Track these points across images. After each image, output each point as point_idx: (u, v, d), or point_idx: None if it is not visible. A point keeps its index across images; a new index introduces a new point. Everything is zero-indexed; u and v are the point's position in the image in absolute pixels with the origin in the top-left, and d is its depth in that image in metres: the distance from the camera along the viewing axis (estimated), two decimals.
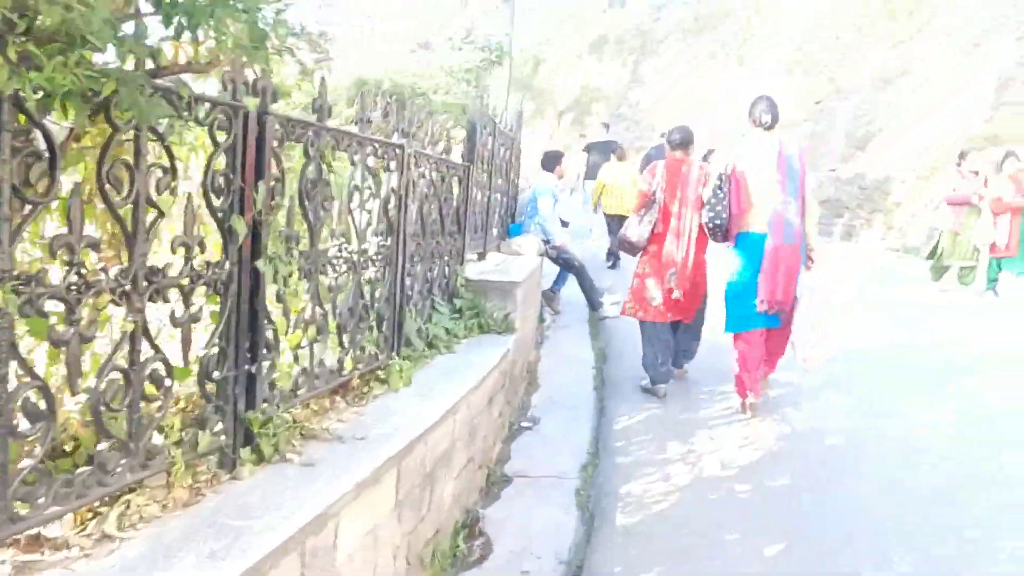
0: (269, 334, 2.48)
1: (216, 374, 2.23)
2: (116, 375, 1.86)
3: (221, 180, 2.18)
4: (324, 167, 2.74)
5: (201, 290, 2.16)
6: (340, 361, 3.07)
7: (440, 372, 3.84)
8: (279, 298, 2.55)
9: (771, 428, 4.91)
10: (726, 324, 5.38)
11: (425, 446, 3.08)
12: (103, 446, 1.85)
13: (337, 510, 2.30)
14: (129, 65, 1.68)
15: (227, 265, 2.22)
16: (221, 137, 2.16)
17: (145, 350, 1.95)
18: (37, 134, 1.58)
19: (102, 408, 1.82)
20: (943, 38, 16.78)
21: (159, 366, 2.00)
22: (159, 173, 1.95)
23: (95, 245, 1.78)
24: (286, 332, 2.62)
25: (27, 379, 1.62)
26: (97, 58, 1.61)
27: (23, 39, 1.44)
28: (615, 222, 11.09)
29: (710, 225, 5.24)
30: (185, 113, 1.98)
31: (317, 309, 2.81)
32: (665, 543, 3.53)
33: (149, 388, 1.99)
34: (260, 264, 2.32)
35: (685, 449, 4.44)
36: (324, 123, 2.71)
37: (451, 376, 3.79)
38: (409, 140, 3.58)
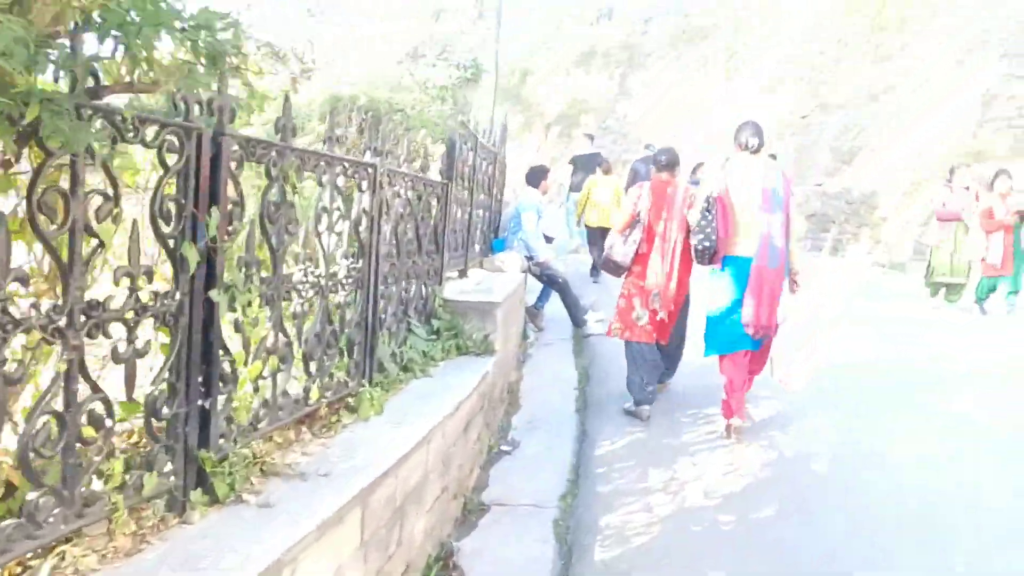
0: (226, 366, 2.35)
1: (165, 411, 2.10)
2: (48, 418, 1.72)
3: (171, 205, 2.05)
4: (289, 189, 2.62)
5: (149, 323, 2.03)
6: (306, 390, 2.93)
7: (415, 397, 3.71)
8: (238, 327, 2.42)
9: (756, 454, 4.79)
10: (708, 347, 5.33)
11: (395, 480, 2.94)
12: (33, 495, 1.70)
13: (295, 555, 2.15)
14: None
15: (178, 296, 2.09)
16: (172, 159, 2.04)
17: (83, 390, 1.81)
18: None
19: (31, 454, 1.68)
20: (928, 54, 16.85)
21: (98, 406, 1.86)
22: (99, 200, 1.81)
23: (23, 279, 1.65)
24: (245, 363, 2.49)
25: None
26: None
27: None
28: (597, 234, 11.07)
29: (699, 248, 5.18)
30: (130, 135, 1.85)
31: (280, 337, 2.68)
32: None
33: (88, 430, 1.85)
34: (214, 294, 2.18)
35: (667, 477, 4.31)
36: (288, 143, 2.59)
37: (427, 401, 3.66)
38: (382, 159, 3.45)
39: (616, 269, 5.77)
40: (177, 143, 2.04)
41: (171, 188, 2.07)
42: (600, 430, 5.17)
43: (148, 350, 2.00)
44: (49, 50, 1.40)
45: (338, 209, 3.07)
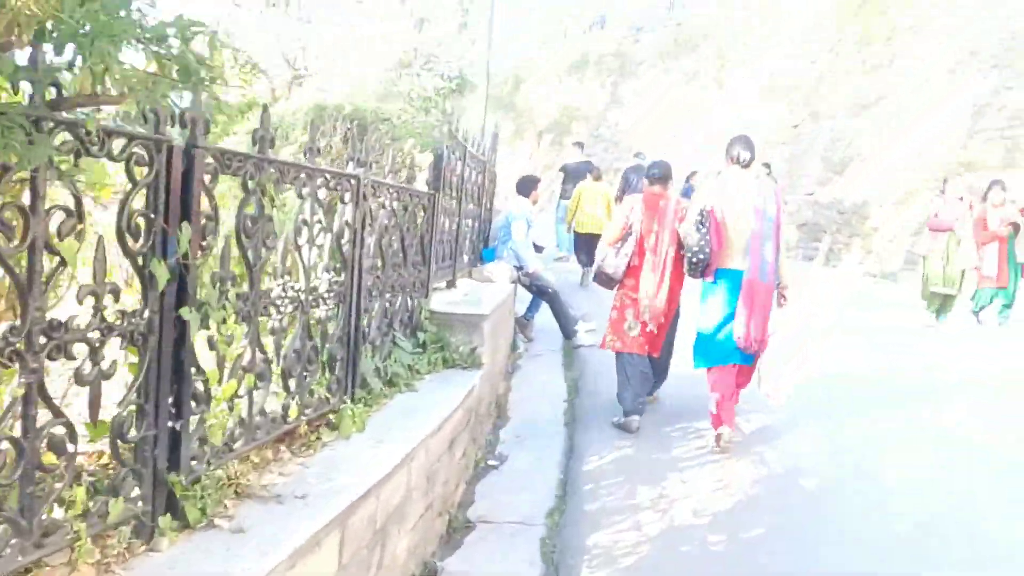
0: (199, 385, 2.28)
1: (132, 434, 2.02)
2: (5, 445, 1.64)
3: (140, 221, 1.97)
4: (267, 202, 2.54)
5: (117, 343, 1.95)
6: (285, 408, 2.86)
7: (399, 412, 3.64)
8: (212, 345, 2.34)
9: (746, 470, 4.73)
10: (698, 360, 5.34)
11: (376, 501, 2.86)
12: None
13: None
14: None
15: (147, 314, 2.01)
16: (141, 173, 1.96)
17: (43, 415, 1.73)
18: None
19: None
20: (919, 64, 16.89)
21: (60, 431, 1.78)
22: (62, 216, 1.74)
23: None
24: (220, 381, 2.41)
25: None
26: None
27: None
28: (583, 240, 11.12)
29: (693, 260, 5.21)
30: (95, 148, 1.78)
31: (257, 354, 2.61)
32: None
33: (48, 457, 1.77)
34: (185, 312, 2.11)
35: (656, 494, 4.23)
36: (266, 155, 2.51)
37: (411, 416, 3.59)
38: (366, 170, 3.38)
39: (608, 282, 5.78)
40: (147, 156, 1.97)
41: (141, 202, 1.99)
42: (589, 444, 5.09)
43: (114, 371, 1.92)
44: None
45: (319, 222, 3.00)
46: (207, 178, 2.21)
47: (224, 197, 2.72)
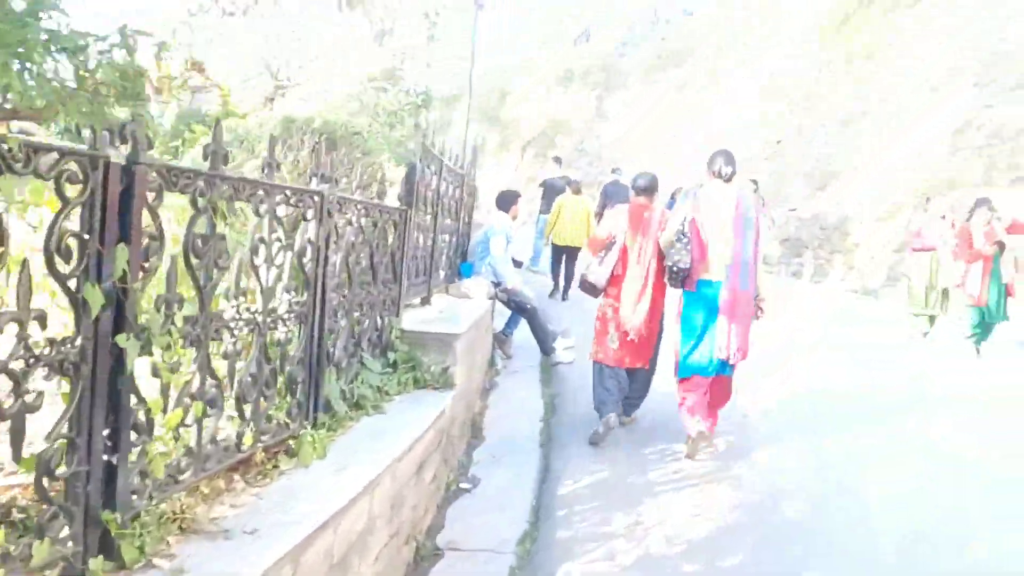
0: (141, 415, 2.14)
1: (62, 470, 1.88)
2: None
3: (72, 242, 1.85)
4: (219, 220, 2.42)
5: (42, 373, 1.82)
6: (239, 435, 2.72)
7: (366, 436, 3.51)
8: (155, 373, 2.21)
9: (725, 494, 4.61)
10: (679, 369, 5.37)
11: (334, 533, 2.73)
12: None
13: None
14: None
15: (79, 341, 1.88)
16: (74, 192, 1.84)
17: None
18: None
19: None
20: (902, 81, 16.96)
21: None
22: None
23: None
24: (165, 410, 2.28)
25: None
26: None
27: None
28: (563, 253, 11.30)
29: (674, 269, 5.28)
30: (19, 165, 1.66)
31: (208, 380, 2.48)
32: None
33: None
34: (122, 339, 1.98)
35: (631, 520, 4.10)
36: (218, 170, 2.39)
37: (378, 440, 3.46)
38: (331, 185, 3.26)
39: (592, 290, 5.82)
40: (80, 174, 1.84)
41: (76, 222, 1.87)
42: (564, 466, 4.97)
43: (40, 403, 1.79)
44: None
45: (279, 240, 2.88)
46: (151, 196, 2.09)
47: (185, 212, 2.59)
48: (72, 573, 1.90)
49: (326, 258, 3.27)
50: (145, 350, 2.12)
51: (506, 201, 7.77)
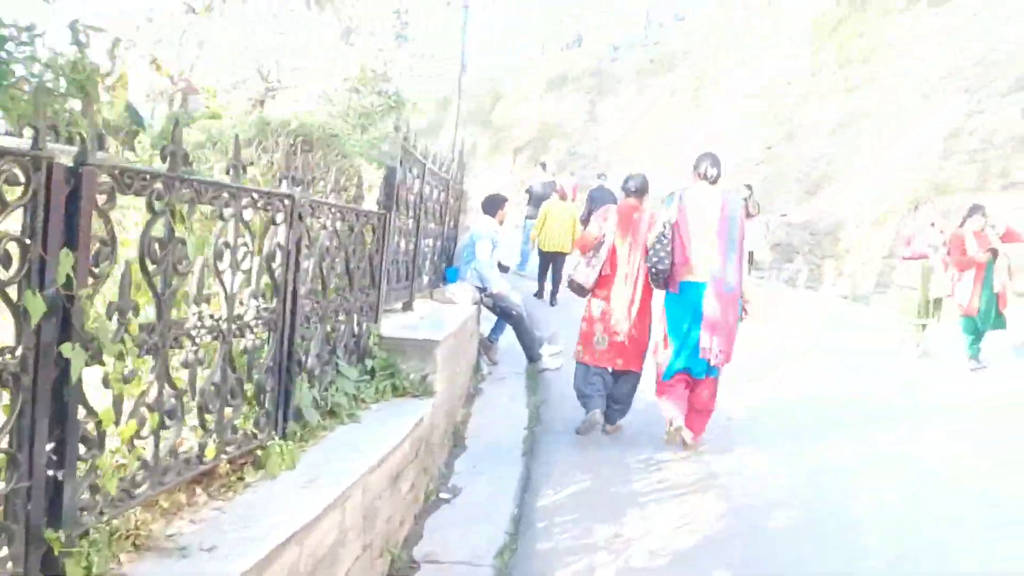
0: (91, 427, 2.05)
1: (0, 486, 1.79)
2: None
3: (12, 247, 1.75)
4: (178, 223, 2.33)
5: None
6: (202, 447, 2.63)
7: (339, 446, 3.42)
8: (106, 383, 2.12)
9: (710, 504, 4.52)
10: (664, 372, 5.42)
11: (299, 548, 2.63)
12: None
13: None
14: None
15: (19, 351, 1.79)
16: (14, 194, 1.75)
17: None
18: None
19: None
20: (894, 87, 16.95)
21: None
22: None
23: None
24: (117, 422, 2.18)
25: None
26: None
27: None
28: (547, 259, 11.46)
29: (653, 270, 5.33)
30: None
31: (167, 390, 2.38)
32: None
33: None
34: (66, 348, 1.88)
35: (613, 532, 4.01)
36: (177, 172, 2.30)
37: (352, 450, 3.37)
38: (303, 188, 3.17)
39: (580, 290, 5.83)
40: (21, 175, 1.75)
41: (15, 227, 1.78)
42: (547, 476, 4.88)
43: None
44: None
45: (245, 245, 2.78)
46: (101, 198, 2.00)
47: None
48: None
49: (297, 263, 3.18)
50: (95, 360, 2.03)
51: (492, 205, 7.68)
